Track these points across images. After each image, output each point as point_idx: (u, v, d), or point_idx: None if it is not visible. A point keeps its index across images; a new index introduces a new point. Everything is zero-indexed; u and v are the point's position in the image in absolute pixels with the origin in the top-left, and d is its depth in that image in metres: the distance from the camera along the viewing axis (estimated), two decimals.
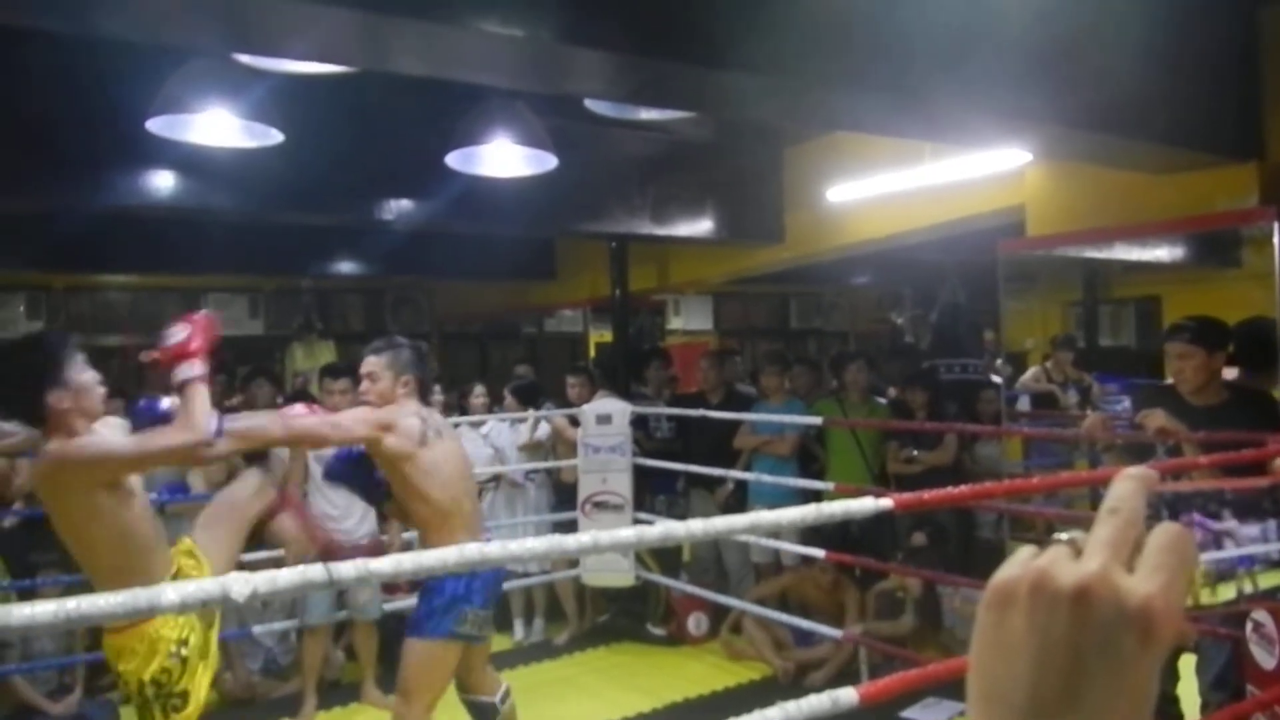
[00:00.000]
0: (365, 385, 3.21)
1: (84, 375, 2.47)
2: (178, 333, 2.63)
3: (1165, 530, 0.48)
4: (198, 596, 1.18)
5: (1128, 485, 0.51)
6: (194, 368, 2.56)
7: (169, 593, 1.17)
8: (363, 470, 3.31)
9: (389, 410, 3.12)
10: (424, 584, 3.14)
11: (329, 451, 4.46)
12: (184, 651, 2.45)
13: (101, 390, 2.54)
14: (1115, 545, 0.48)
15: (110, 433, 2.58)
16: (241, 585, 1.19)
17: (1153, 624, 0.45)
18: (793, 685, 4.80)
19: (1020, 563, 0.49)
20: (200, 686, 2.50)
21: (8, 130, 4.13)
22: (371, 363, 3.21)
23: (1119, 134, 3.58)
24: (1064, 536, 0.50)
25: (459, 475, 3.21)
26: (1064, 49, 3.32)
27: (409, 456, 3.06)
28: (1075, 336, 7.45)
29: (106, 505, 2.36)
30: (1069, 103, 3.35)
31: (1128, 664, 0.45)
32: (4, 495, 4.75)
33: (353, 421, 3.08)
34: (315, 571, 1.28)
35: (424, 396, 3.33)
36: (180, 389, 2.55)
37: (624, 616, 5.84)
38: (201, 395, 2.53)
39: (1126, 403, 6.20)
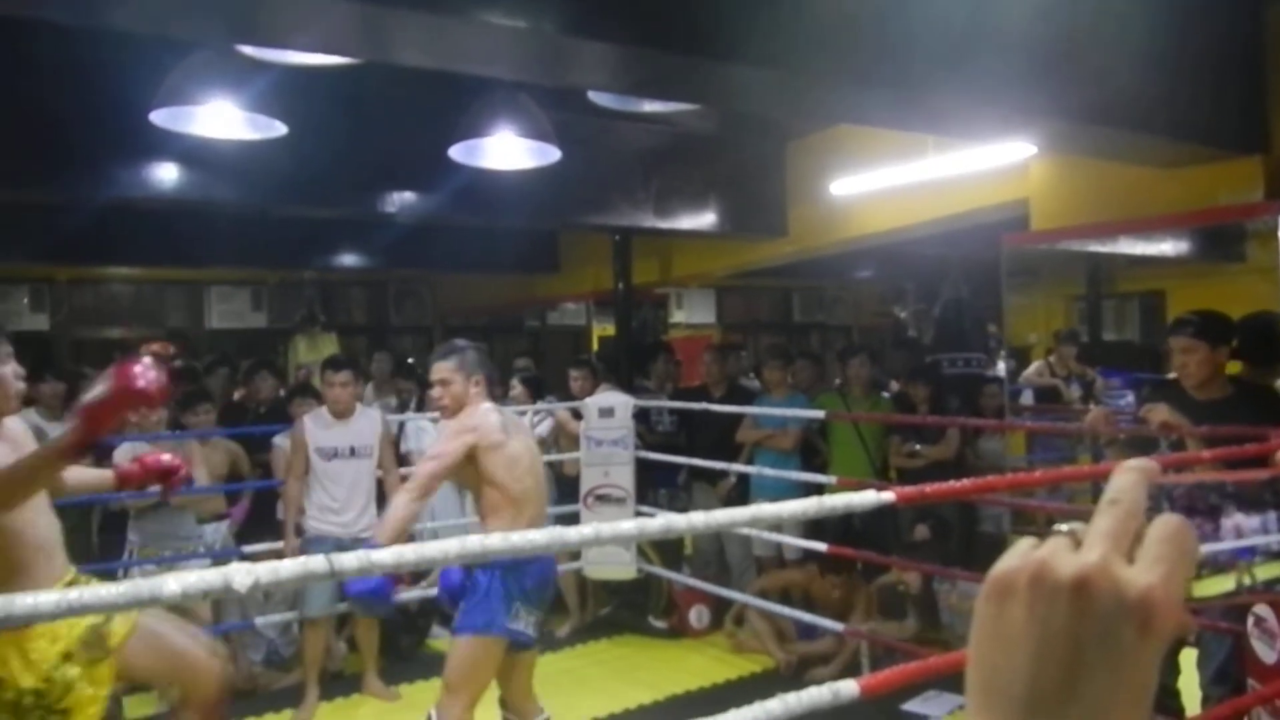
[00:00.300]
0: (438, 391, 3.32)
1: (2, 368, 2.38)
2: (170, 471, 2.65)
3: (1165, 522, 0.48)
4: (200, 587, 1.19)
5: (1129, 477, 0.51)
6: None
7: (171, 583, 1.18)
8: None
9: (466, 416, 3.25)
10: (471, 580, 3.20)
11: (329, 444, 4.53)
12: (66, 669, 2.34)
13: (19, 386, 2.44)
14: (1115, 536, 0.47)
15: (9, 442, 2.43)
16: (244, 576, 1.19)
17: (1153, 615, 0.44)
18: (794, 678, 4.81)
19: (1020, 554, 0.49)
20: (87, 711, 2.39)
21: (13, 122, 4.14)
22: (444, 368, 3.30)
23: (1123, 128, 3.57)
24: (1064, 528, 0.50)
25: (534, 467, 3.39)
26: (1067, 43, 3.31)
27: (498, 446, 3.22)
28: (1078, 331, 7.44)
29: None
30: (1073, 97, 3.35)
31: (1127, 655, 0.44)
32: None
33: (448, 448, 3.23)
34: (317, 563, 1.28)
35: (492, 393, 3.43)
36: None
37: (626, 609, 5.85)
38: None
39: (1130, 397, 6.21)
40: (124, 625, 2.52)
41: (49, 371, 5.25)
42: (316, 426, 4.61)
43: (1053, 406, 6.58)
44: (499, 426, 3.25)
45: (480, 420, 3.23)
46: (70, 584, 2.45)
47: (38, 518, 2.41)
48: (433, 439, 4.71)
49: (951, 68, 3.01)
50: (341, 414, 4.59)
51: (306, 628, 4.67)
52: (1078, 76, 3.32)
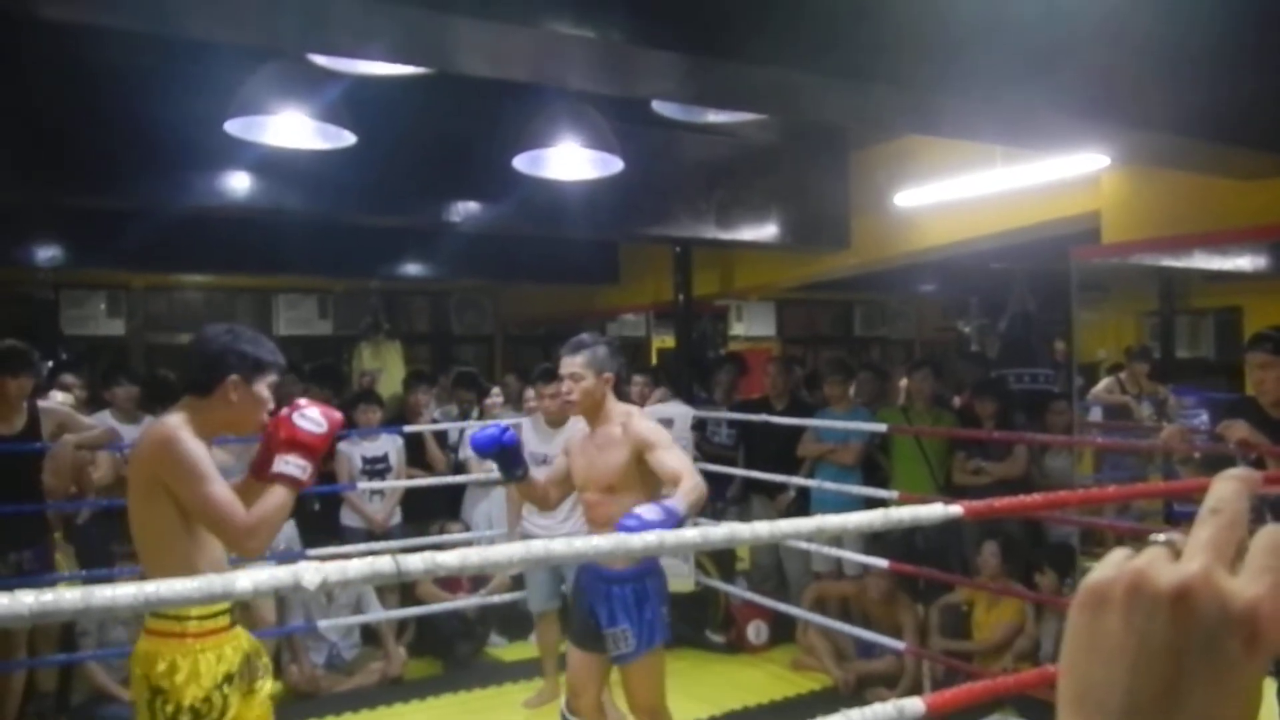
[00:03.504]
0: (567, 385, 3.18)
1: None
2: (319, 423, 2.37)
3: (1271, 532, 0.46)
4: (270, 584, 1.20)
5: (1230, 486, 0.49)
6: (305, 469, 2.33)
7: (242, 579, 1.19)
8: (509, 453, 3.23)
9: (633, 415, 3.20)
10: (617, 599, 3.15)
11: (542, 450, 4.58)
12: (226, 690, 2.32)
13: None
14: (1218, 546, 0.46)
15: None
16: (313, 574, 1.20)
17: (1259, 628, 0.43)
18: (853, 696, 4.74)
19: (1114, 564, 0.47)
20: None
21: (96, 132, 4.26)
22: (574, 363, 3.17)
23: (1205, 139, 3.47)
24: (1161, 538, 0.48)
25: None
26: (1147, 52, 3.23)
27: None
28: (1150, 348, 7.26)
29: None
30: (1153, 107, 3.27)
31: (1232, 669, 0.43)
32: (81, 489, 4.90)
33: (677, 447, 3.22)
34: (383, 563, 1.29)
35: (619, 391, 3.34)
36: (273, 477, 2.33)
37: (683, 622, 5.81)
38: (286, 503, 2.33)
39: (1204, 416, 6.04)
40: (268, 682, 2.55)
41: (124, 375, 5.39)
42: (532, 434, 4.77)
43: (1123, 424, 6.43)
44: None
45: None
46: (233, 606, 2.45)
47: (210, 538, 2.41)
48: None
49: (1027, 76, 2.96)
50: (556, 423, 4.69)
51: (538, 620, 4.89)
52: (1158, 86, 3.24)
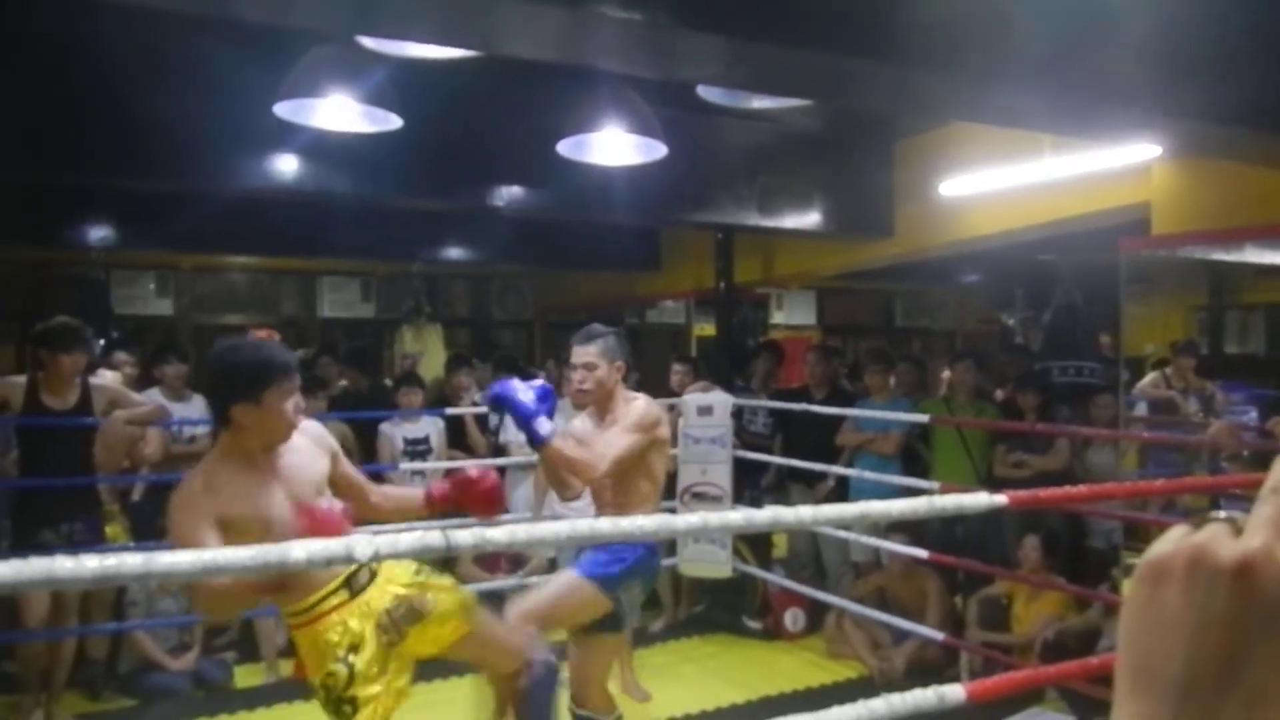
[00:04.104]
0: (580, 374, 3.22)
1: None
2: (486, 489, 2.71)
3: None
4: (324, 555, 1.23)
5: None
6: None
7: (296, 550, 1.22)
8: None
9: (639, 409, 3.17)
10: (614, 550, 3.14)
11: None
12: (352, 659, 2.44)
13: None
14: (1279, 524, 0.46)
15: None
16: (365, 546, 1.23)
17: None
18: (889, 685, 4.73)
19: (1175, 539, 0.48)
20: (376, 703, 2.45)
21: (149, 116, 4.33)
22: (588, 353, 3.22)
23: (1262, 129, 3.39)
24: (1222, 514, 0.49)
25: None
26: (1201, 38, 3.16)
27: (666, 440, 3.24)
28: (1198, 343, 7.13)
29: None
30: (1207, 96, 3.20)
31: None
32: (133, 463, 5.01)
33: (634, 440, 3.11)
34: (433, 537, 1.31)
35: (627, 380, 3.36)
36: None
37: (720, 608, 5.83)
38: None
39: (1253, 413, 5.92)
40: (454, 619, 2.66)
41: (173, 354, 5.49)
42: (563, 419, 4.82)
43: (1168, 419, 6.32)
44: (665, 419, 3.25)
45: (659, 414, 3.21)
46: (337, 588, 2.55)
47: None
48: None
49: (1078, 63, 2.91)
50: (582, 408, 4.77)
51: None
52: (1213, 74, 3.17)
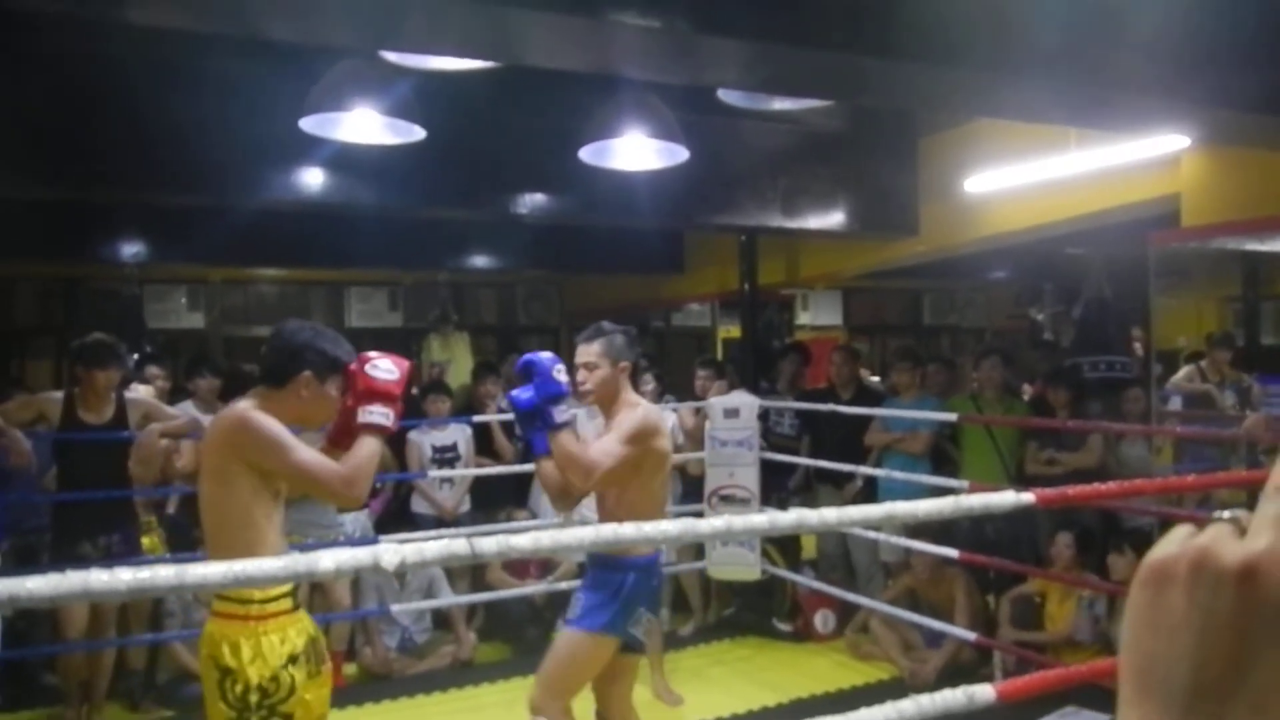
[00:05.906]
0: (582, 375, 3.07)
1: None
2: (391, 370, 2.51)
3: None
4: (351, 564, 1.25)
5: None
6: (388, 415, 2.48)
7: (325, 559, 1.24)
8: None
9: (640, 416, 3.02)
10: (589, 577, 3.07)
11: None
12: (292, 671, 2.38)
13: None
14: None
15: None
16: (391, 555, 1.24)
17: None
18: (921, 687, 4.70)
19: (1178, 541, 0.47)
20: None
21: (178, 132, 4.40)
22: (590, 351, 3.07)
23: None
24: (1225, 515, 0.48)
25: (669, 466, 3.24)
26: (1226, 23, 3.13)
27: (666, 450, 3.09)
28: (1233, 335, 7.03)
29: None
30: (1236, 84, 3.16)
31: None
32: (167, 476, 5.07)
33: (627, 450, 2.96)
34: (459, 545, 1.32)
35: (635, 381, 3.22)
36: (361, 428, 2.47)
37: (749, 611, 5.82)
38: (376, 451, 2.49)
39: None
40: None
41: (206, 367, 5.55)
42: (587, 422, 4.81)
43: (1204, 413, 6.24)
44: (666, 427, 3.13)
45: (657, 424, 3.05)
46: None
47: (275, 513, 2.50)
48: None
49: (1088, 54, 2.89)
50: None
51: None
52: (1242, 61, 3.14)
